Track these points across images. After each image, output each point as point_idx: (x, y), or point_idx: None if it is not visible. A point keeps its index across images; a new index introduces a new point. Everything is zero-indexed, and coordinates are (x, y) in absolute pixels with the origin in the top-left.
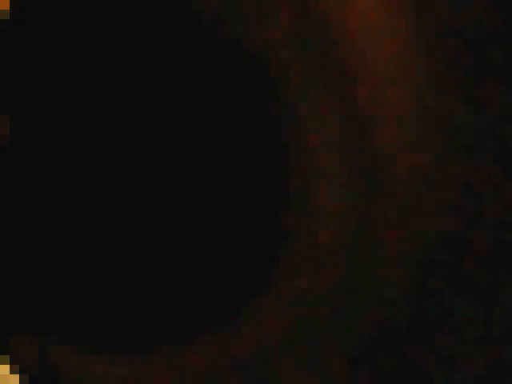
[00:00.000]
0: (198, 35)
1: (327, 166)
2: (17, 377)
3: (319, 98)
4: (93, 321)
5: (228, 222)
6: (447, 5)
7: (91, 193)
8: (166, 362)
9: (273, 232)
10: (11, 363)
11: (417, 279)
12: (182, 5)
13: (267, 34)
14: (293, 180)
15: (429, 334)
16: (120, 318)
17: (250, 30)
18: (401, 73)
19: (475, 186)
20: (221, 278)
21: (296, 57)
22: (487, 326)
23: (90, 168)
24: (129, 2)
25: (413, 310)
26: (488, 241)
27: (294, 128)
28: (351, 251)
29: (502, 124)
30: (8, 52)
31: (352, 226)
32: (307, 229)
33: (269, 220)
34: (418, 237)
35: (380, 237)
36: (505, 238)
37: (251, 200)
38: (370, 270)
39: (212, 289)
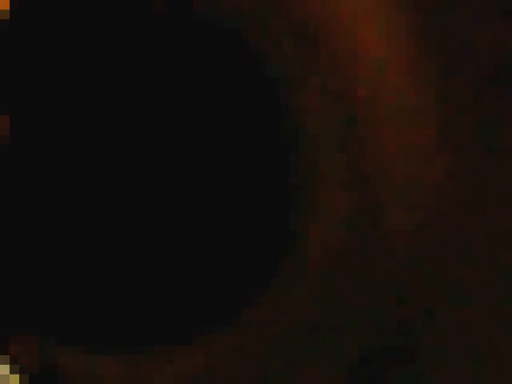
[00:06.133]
0: (199, 35)
1: (328, 167)
2: (17, 377)
3: (319, 98)
4: (93, 321)
5: (229, 224)
6: (448, 5)
7: (91, 193)
8: (166, 362)
9: (275, 234)
10: (11, 363)
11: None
12: (183, 5)
13: (268, 35)
14: (293, 182)
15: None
16: (120, 318)
17: (250, 30)
18: (401, 73)
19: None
20: (221, 279)
21: (296, 57)
22: None
23: (91, 168)
24: (130, 2)
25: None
26: None
27: (295, 129)
28: (355, 252)
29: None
30: (8, 52)
31: (355, 226)
32: (310, 231)
33: (271, 222)
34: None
35: (381, 236)
36: None
37: (254, 202)
38: (372, 270)
39: (212, 289)
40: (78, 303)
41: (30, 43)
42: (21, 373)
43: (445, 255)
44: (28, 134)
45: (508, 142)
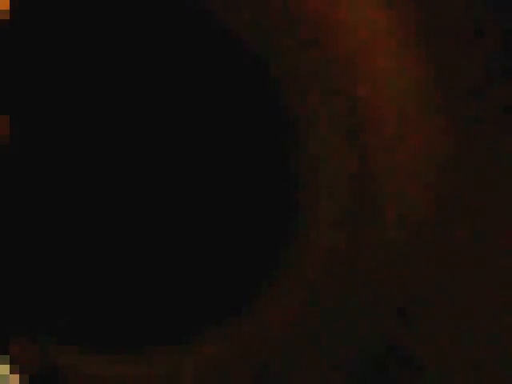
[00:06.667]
0: (200, 35)
1: (328, 166)
2: (17, 377)
3: (319, 99)
4: (93, 321)
5: (229, 224)
6: (446, 3)
7: (91, 193)
8: (166, 362)
9: (275, 234)
10: (11, 363)
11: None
12: (183, 4)
13: (268, 36)
14: (293, 182)
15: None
16: (120, 318)
17: (250, 31)
18: (402, 72)
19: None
20: (221, 279)
21: (296, 57)
22: None
23: (91, 168)
24: (130, 2)
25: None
26: None
27: (295, 130)
28: (355, 253)
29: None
30: (8, 52)
31: (355, 226)
32: (310, 231)
33: (270, 222)
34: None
35: (381, 236)
36: None
37: (253, 202)
38: (371, 270)
39: (212, 289)
40: (78, 303)
41: (30, 43)
42: (21, 373)
43: (445, 255)
44: (28, 134)
45: (509, 141)
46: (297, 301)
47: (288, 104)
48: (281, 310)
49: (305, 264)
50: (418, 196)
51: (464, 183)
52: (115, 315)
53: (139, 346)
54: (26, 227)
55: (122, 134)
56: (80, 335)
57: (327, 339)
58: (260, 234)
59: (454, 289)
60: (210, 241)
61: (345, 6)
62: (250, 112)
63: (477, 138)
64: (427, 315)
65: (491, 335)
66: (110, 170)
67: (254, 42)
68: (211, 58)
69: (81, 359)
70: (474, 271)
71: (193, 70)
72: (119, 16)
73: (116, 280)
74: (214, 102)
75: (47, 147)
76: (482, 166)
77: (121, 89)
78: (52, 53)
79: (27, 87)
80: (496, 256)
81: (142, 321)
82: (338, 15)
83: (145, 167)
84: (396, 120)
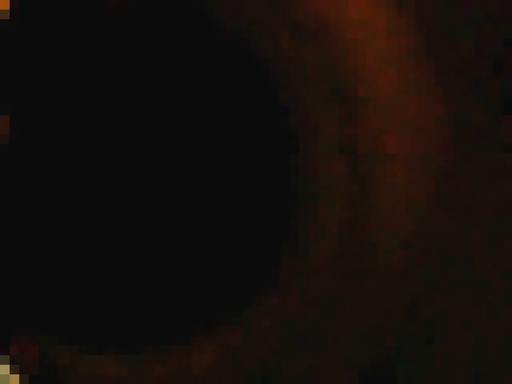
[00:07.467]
0: (199, 35)
1: (327, 168)
2: (17, 377)
3: (319, 99)
4: (93, 321)
5: (229, 224)
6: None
7: (91, 193)
8: (166, 361)
9: (276, 233)
10: (11, 363)
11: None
12: (183, 5)
13: (268, 35)
14: (293, 183)
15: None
16: (120, 318)
17: (251, 30)
18: (401, 72)
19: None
20: (222, 279)
21: (296, 57)
22: None
23: (91, 168)
24: (131, 2)
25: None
26: None
27: (295, 130)
28: (356, 256)
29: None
30: (8, 52)
31: (355, 226)
32: (310, 231)
33: (271, 222)
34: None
35: (379, 236)
36: None
37: (254, 202)
38: (370, 269)
39: (212, 289)
40: (78, 303)
41: (29, 43)
42: (21, 373)
43: (443, 261)
44: (28, 134)
45: (508, 145)
46: (297, 301)
47: (287, 104)
48: (280, 310)
49: (305, 264)
50: (417, 201)
51: (463, 191)
52: (115, 315)
53: (139, 346)
54: (26, 227)
55: (123, 134)
56: (80, 335)
57: (327, 340)
58: (260, 235)
59: (454, 298)
60: (209, 241)
61: (345, 6)
62: (250, 112)
63: (478, 141)
64: (428, 326)
65: (492, 349)
66: (110, 169)
67: (254, 42)
68: (212, 58)
69: (81, 359)
70: (474, 276)
71: (192, 69)
72: (120, 16)
73: (116, 280)
74: (215, 103)
75: (47, 147)
76: (482, 171)
77: (121, 88)
78: (52, 53)
79: (27, 87)
80: (496, 260)
81: (142, 321)
82: (339, 15)
83: (145, 167)
84: (397, 121)
